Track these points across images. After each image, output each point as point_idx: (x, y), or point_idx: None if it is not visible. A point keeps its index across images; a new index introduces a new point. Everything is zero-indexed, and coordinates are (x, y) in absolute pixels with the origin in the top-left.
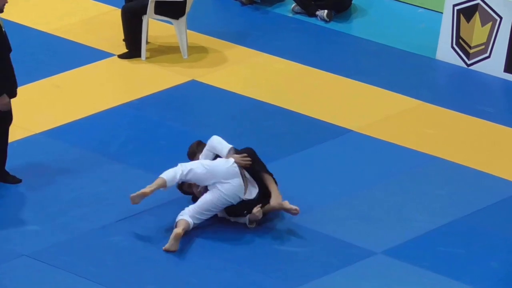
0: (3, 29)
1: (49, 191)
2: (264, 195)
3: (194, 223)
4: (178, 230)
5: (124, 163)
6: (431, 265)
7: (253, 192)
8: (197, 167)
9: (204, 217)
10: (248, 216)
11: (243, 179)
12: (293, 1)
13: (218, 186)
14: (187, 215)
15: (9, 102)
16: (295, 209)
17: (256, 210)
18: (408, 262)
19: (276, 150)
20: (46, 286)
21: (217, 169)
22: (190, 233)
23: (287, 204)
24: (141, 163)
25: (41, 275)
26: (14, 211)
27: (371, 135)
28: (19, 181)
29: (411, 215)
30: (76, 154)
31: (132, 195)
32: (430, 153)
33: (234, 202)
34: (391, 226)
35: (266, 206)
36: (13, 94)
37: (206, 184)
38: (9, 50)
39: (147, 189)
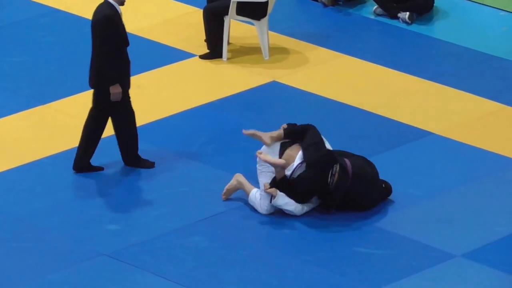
0: (123, 23)
1: (129, 191)
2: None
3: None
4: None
5: (205, 163)
6: (510, 268)
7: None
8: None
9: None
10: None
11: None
12: (375, 3)
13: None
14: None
15: (120, 93)
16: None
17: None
18: (488, 266)
19: (357, 152)
20: (126, 285)
21: None
22: (270, 235)
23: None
24: (222, 164)
25: (120, 275)
26: (94, 211)
27: (453, 138)
28: (152, 164)
29: (492, 218)
30: (157, 154)
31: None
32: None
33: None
34: (472, 229)
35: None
36: (125, 86)
37: None
38: (126, 43)
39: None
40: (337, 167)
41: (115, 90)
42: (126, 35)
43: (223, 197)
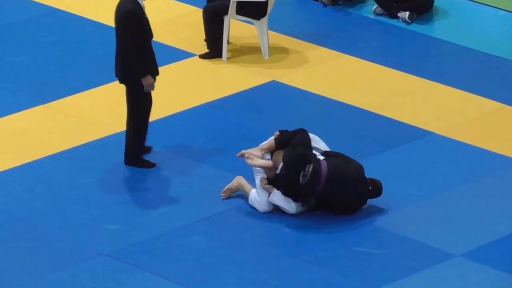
0: (146, 15)
1: (129, 191)
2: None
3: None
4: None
5: (204, 163)
6: (511, 268)
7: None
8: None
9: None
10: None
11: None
12: (374, 3)
13: None
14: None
15: (153, 83)
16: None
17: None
18: (488, 266)
19: (357, 152)
20: (125, 285)
21: None
22: (270, 235)
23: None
24: (222, 164)
25: (120, 275)
26: (94, 211)
27: (453, 138)
28: (153, 165)
29: (492, 218)
30: (156, 153)
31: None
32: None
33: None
34: (471, 229)
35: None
36: (154, 75)
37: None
38: (151, 36)
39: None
40: (309, 168)
41: (148, 82)
42: (149, 27)
43: (223, 195)
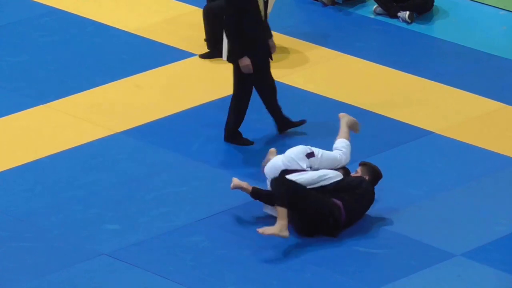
0: None
1: (129, 191)
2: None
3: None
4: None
5: (205, 162)
6: (510, 268)
7: None
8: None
9: None
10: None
11: None
12: (374, 3)
13: None
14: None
15: (249, 65)
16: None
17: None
18: (487, 265)
19: (356, 151)
20: (126, 285)
21: None
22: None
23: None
24: (222, 163)
25: (120, 274)
26: (94, 211)
27: (452, 137)
28: (251, 143)
29: (492, 218)
30: (156, 153)
31: None
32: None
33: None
34: (471, 229)
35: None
36: (257, 57)
37: None
38: (255, 17)
39: None
40: (331, 220)
41: (243, 63)
42: (256, 9)
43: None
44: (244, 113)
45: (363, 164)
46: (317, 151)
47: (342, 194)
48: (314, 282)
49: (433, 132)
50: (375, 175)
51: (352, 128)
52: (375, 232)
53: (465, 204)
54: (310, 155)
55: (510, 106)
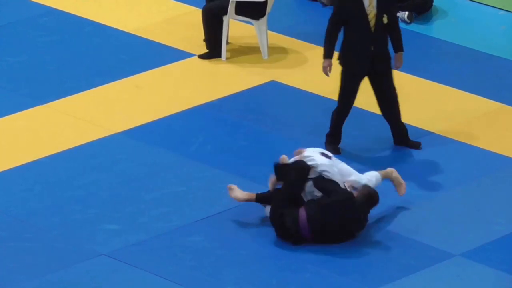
0: (362, 3)
1: (128, 191)
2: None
3: None
4: None
5: (204, 163)
6: (509, 268)
7: None
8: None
9: None
10: None
11: None
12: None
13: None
14: None
15: (326, 67)
16: None
17: None
18: (486, 265)
19: (355, 151)
20: (125, 285)
21: None
22: (269, 235)
23: None
24: (221, 164)
25: (119, 275)
26: (94, 211)
27: (452, 137)
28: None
29: (491, 218)
30: (156, 154)
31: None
32: (511, 156)
33: None
34: (470, 229)
35: None
36: (350, 63)
37: None
38: (355, 22)
39: None
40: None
41: (323, 64)
42: (358, 13)
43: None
44: (344, 116)
45: (365, 184)
46: (334, 159)
47: (311, 204)
48: (314, 282)
49: (432, 132)
50: (369, 197)
51: (395, 184)
52: (375, 232)
53: (464, 204)
54: (325, 154)
55: (509, 106)
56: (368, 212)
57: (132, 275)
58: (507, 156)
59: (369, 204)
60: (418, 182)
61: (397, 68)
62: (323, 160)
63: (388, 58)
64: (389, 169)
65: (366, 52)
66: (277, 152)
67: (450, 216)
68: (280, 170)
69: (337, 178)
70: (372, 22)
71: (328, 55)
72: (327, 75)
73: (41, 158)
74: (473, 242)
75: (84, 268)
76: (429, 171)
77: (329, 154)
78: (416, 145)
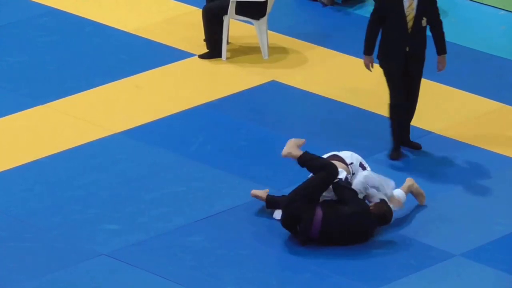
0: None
1: (128, 191)
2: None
3: None
4: None
5: (204, 163)
6: (509, 268)
7: None
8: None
9: None
10: None
11: None
12: (374, 2)
13: None
14: None
15: (366, 64)
16: None
17: None
18: (487, 265)
19: (357, 151)
20: (125, 285)
21: None
22: (269, 235)
23: None
24: (221, 164)
25: (120, 274)
26: (94, 211)
27: (452, 137)
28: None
29: (491, 218)
30: (156, 154)
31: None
32: (511, 156)
33: None
34: (470, 229)
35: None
36: (388, 59)
37: None
38: (394, 18)
39: None
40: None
41: (364, 61)
42: (395, 9)
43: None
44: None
45: (383, 200)
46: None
47: (330, 208)
48: (314, 282)
49: (432, 132)
50: (383, 216)
51: (415, 195)
52: (375, 232)
53: (464, 204)
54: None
55: (509, 106)
56: (376, 227)
57: (132, 275)
58: (507, 156)
59: (381, 222)
60: (418, 182)
61: (439, 71)
62: (362, 172)
63: (422, 60)
64: (409, 182)
65: (401, 53)
66: (277, 152)
67: (450, 216)
68: (313, 163)
69: (358, 187)
70: (410, 23)
71: (367, 52)
72: (370, 70)
73: (41, 158)
74: (473, 242)
75: (84, 268)
76: (429, 171)
77: (366, 164)
78: (417, 146)
